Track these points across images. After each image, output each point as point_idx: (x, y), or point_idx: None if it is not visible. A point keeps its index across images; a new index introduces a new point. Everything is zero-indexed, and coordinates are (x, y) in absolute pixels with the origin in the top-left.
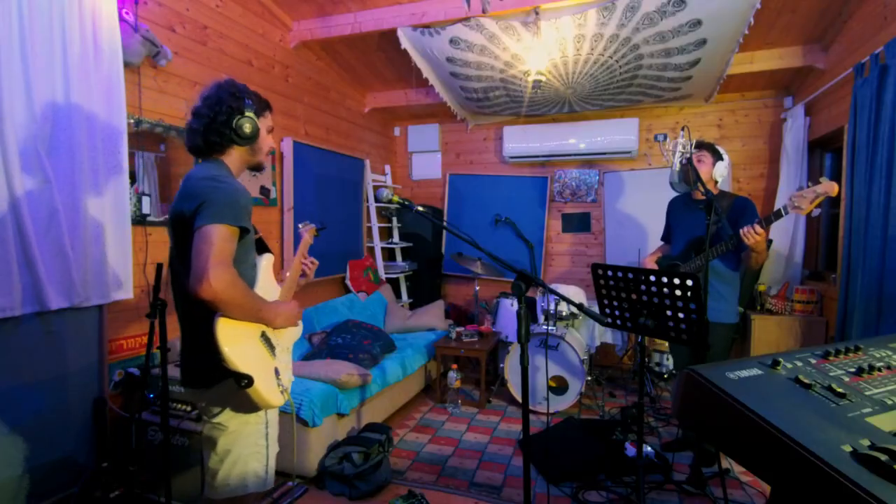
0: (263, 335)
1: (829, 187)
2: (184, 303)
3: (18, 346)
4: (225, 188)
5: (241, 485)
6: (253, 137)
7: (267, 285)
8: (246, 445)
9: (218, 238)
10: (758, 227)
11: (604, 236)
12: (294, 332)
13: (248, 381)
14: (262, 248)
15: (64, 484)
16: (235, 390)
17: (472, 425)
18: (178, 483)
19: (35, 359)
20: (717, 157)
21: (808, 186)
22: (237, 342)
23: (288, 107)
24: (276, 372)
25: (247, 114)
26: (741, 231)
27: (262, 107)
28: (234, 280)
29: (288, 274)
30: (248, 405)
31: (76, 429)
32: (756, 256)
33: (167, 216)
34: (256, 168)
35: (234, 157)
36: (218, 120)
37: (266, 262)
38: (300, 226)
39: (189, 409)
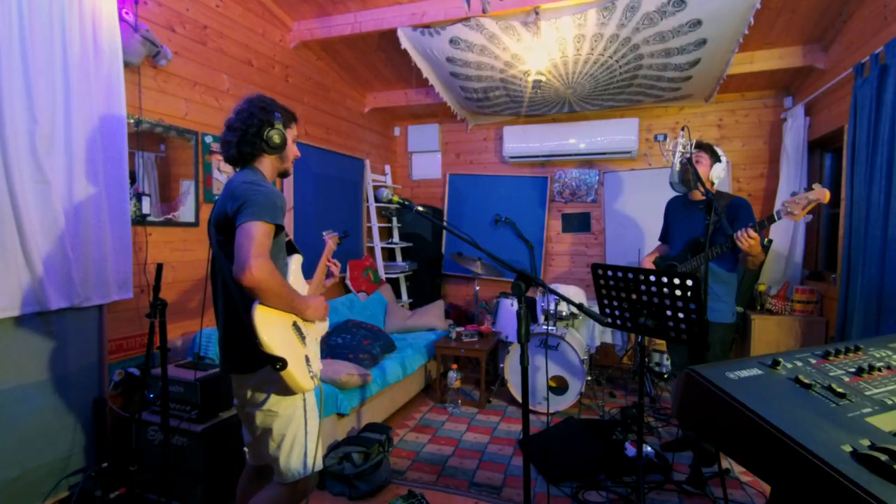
0: (295, 325)
1: (820, 194)
2: (225, 295)
3: (18, 346)
4: (264, 190)
5: (303, 466)
6: (281, 147)
7: (297, 282)
8: (299, 427)
9: (257, 233)
10: (751, 231)
11: (604, 236)
12: (322, 326)
13: (283, 363)
14: (291, 249)
15: (64, 484)
16: (273, 375)
17: (472, 425)
18: (179, 483)
19: (35, 359)
20: (716, 158)
21: (803, 191)
22: (272, 328)
23: (288, 107)
24: (307, 359)
25: (276, 125)
26: (735, 235)
27: (289, 119)
28: (272, 270)
29: (314, 277)
30: (286, 389)
31: (76, 429)
32: (752, 259)
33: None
34: (284, 175)
35: (266, 165)
36: (250, 132)
37: (295, 262)
38: (324, 234)
39: (189, 409)
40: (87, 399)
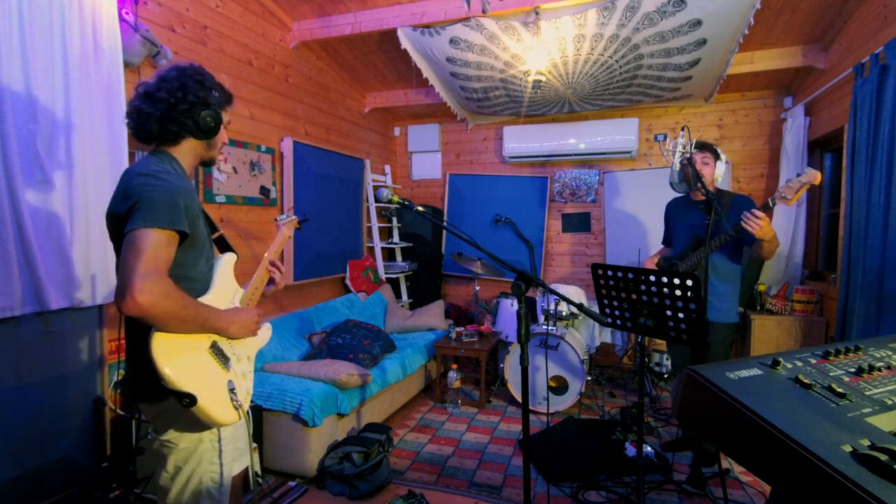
0: (214, 346)
1: (811, 176)
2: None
3: (18, 346)
4: (163, 187)
5: None
6: (213, 133)
7: (224, 289)
8: (199, 464)
9: (149, 244)
10: (757, 212)
11: (604, 236)
12: (256, 340)
13: (191, 400)
14: (224, 247)
15: (64, 484)
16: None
17: (472, 425)
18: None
19: (35, 359)
20: (717, 157)
21: (796, 176)
22: (178, 357)
23: (288, 107)
24: (231, 385)
25: (213, 107)
26: (743, 216)
27: (226, 100)
28: (166, 291)
29: (252, 279)
30: (198, 423)
31: (76, 429)
32: (767, 245)
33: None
34: (208, 163)
35: (186, 151)
36: (179, 108)
37: (226, 263)
38: (278, 219)
39: None
40: (87, 399)
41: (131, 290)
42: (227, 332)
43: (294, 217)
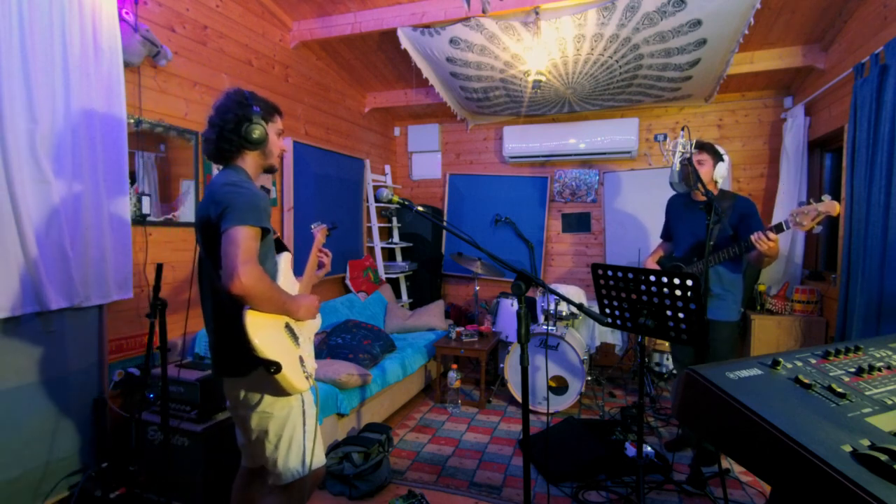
0: (287, 326)
1: (830, 207)
2: (214, 299)
3: (18, 346)
4: (245, 192)
5: (302, 466)
6: (262, 142)
7: (287, 281)
8: (295, 427)
9: (243, 238)
10: (771, 234)
11: (604, 236)
12: (314, 324)
13: (277, 367)
14: (280, 247)
15: (64, 484)
16: (267, 377)
17: (472, 425)
18: (179, 483)
19: (35, 359)
20: (718, 158)
21: (807, 201)
22: (264, 332)
23: (288, 107)
24: (301, 360)
25: (254, 120)
26: (753, 237)
27: (271, 111)
28: (261, 276)
29: (305, 269)
30: (280, 391)
31: (76, 429)
32: (768, 260)
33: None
34: (270, 170)
35: (249, 162)
36: (227, 128)
37: (285, 260)
38: (312, 226)
39: (189, 409)
40: (87, 399)
41: (238, 274)
42: (297, 315)
43: (324, 225)
